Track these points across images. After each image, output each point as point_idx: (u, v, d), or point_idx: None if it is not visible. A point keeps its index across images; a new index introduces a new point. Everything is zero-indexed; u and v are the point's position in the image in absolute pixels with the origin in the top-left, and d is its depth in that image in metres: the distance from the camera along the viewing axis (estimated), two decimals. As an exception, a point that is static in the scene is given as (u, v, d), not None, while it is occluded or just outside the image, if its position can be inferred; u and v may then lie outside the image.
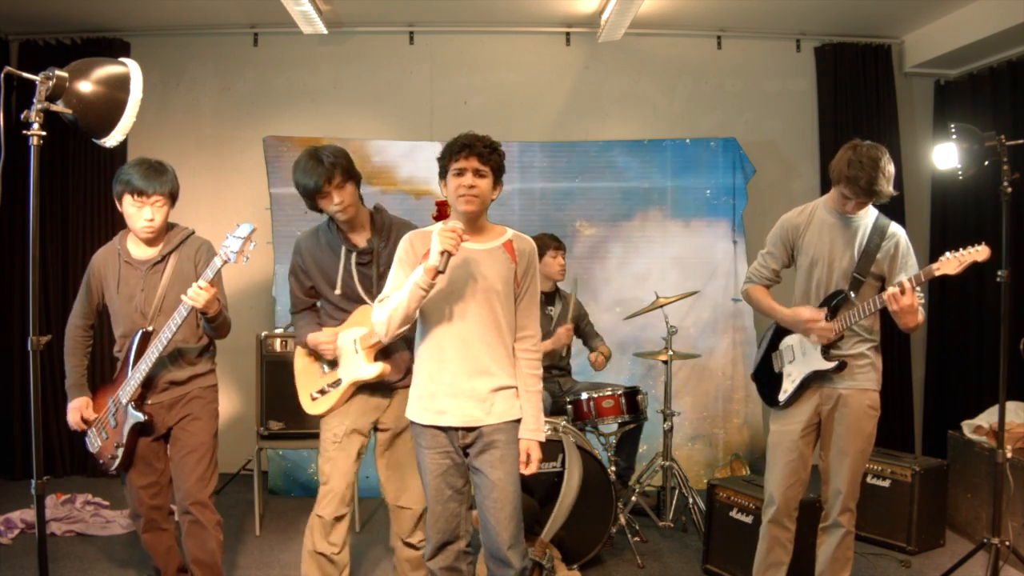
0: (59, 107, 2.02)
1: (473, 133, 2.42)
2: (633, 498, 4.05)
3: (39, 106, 1.96)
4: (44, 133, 1.97)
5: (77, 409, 2.92)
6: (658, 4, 4.74)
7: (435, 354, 2.43)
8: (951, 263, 2.55)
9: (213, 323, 2.82)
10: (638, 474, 4.31)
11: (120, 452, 2.84)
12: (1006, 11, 4.32)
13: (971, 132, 3.15)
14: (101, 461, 2.92)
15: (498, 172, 2.43)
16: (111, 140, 2.16)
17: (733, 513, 3.45)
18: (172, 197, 2.85)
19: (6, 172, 1.94)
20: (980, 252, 2.54)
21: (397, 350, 2.90)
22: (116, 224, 5.11)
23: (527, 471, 2.44)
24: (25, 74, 1.98)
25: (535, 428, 2.45)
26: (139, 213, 2.78)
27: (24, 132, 1.96)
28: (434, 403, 2.42)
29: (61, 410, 5.04)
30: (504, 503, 2.38)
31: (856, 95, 5.24)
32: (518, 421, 2.46)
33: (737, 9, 4.95)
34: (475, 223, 2.44)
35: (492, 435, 2.41)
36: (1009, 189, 3.03)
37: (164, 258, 2.88)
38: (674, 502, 4.15)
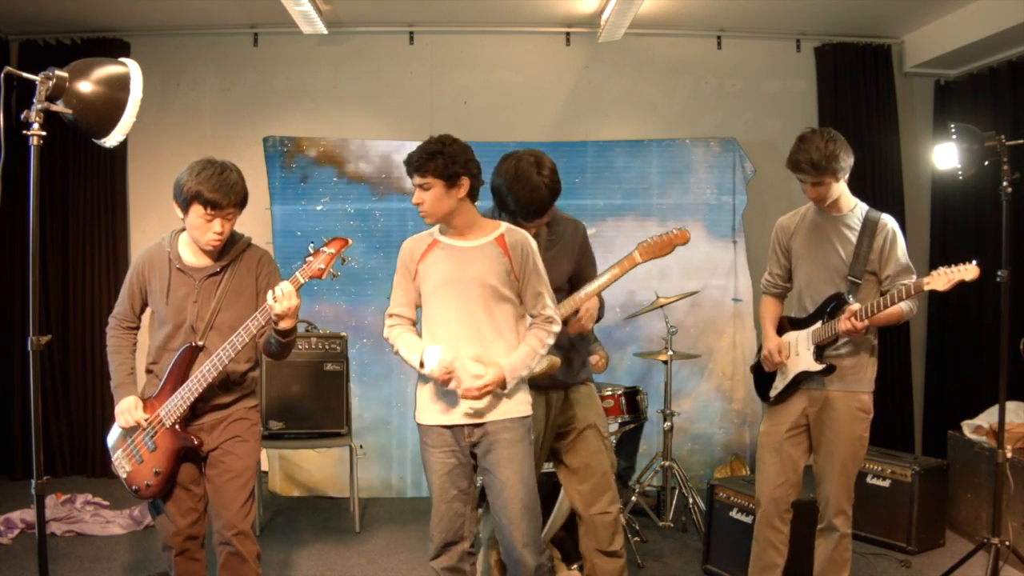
0: (59, 107, 2.02)
1: (422, 144, 2.44)
2: (633, 498, 4.04)
3: (39, 106, 1.96)
4: (44, 133, 1.97)
5: (126, 412, 2.56)
6: (658, 4, 4.74)
7: None
8: (940, 279, 2.52)
9: (286, 339, 2.49)
10: (638, 474, 4.31)
11: (158, 479, 2.55)
12: (1006, 11, 4.31)
13: (971, 132, 3.15)
14: (134, 487, 2.59)
15: (445, 176, 2.39)
16: (111, 140, 2.16)
17: (733, 513, 3.45)
18: (243, 205, 2.54)
19: (6, 172, 1.93)
20: (968, 271, 2.51)
21: (573, 347, 2.83)
22: (116, 224, 5.16)
23: (473, 384, 2.33)
24: (25, 74, 1.98)
25: (512, 364, 2.39)
26: (208, 225, 2.47)
27: (24, 132, 1.95)
28: (439, 403, 2.44)
29: (61, 410, 5.07)
30: (513, 501, 2.39)
31: (856, 95, 5.23)
32: (524, 418, 2.46)
33: (737, 9, 4.95)
34: (453, 224, 2.47)
35: (498, 433, 2.41)
36: (1009, 189, 3.03)
37: (223, 268, 2.58)
38: (674, 502, 4.15)
